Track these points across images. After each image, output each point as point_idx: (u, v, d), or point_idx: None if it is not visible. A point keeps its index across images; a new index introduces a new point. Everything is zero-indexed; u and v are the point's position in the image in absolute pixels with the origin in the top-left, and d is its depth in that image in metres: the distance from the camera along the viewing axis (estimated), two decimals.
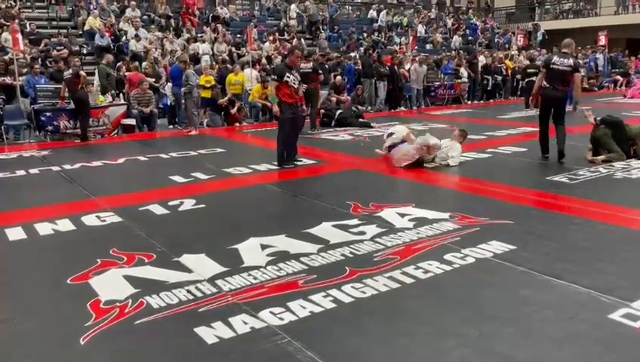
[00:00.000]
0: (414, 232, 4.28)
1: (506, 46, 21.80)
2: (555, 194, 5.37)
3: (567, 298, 3.09)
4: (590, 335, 2.68)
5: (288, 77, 6.92)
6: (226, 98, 11.80)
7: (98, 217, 4.98)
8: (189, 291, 3.29)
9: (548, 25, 24.86)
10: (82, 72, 9.57)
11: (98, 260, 3.85)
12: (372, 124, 10.93)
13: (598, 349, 2.56)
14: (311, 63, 10.66)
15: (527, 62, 14.73)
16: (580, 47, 20.48)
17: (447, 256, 3.73)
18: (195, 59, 13.17)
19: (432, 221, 4.54)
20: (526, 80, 13.97)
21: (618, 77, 19.68)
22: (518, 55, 17.85)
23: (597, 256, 3.73)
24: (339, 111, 11.32)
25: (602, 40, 20.73)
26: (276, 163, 7.11)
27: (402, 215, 4.75)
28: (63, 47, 12.84)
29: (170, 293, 3.27)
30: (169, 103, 11.99)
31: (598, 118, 7.14)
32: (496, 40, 22.50)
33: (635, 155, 6.85)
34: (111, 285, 3.44)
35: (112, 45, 13.73)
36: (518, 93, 15.91)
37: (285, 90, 6.94)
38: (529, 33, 23.45)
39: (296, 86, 7.04)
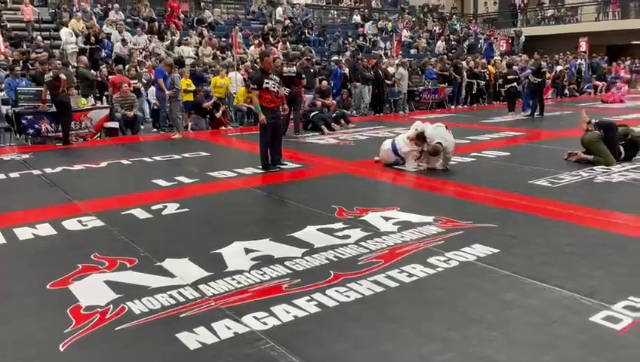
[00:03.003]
0: (399, 236, 4.29)
1: (490, 51, 22.03)
2: (537, 198, 5.41)
3: (550, 301, 3.11)
4: (573, 338, 2.70)
5: (267, 83, 6.90)
6: (211, 102, 11.74)
7: (79, 221, 4.90)
8: (171, 296, 3.25)
9: (530, 31, 25.20)
10: (62, 75, 9.44)
11: (79, 265, 3.78)
12: (331, 128, 10.90)
13: (581, 353, 2.58)
14: (294, 67, 10.65)
15: (507, 68, 14.89)
16: (561, 53, 20.85)
17: (431, 260, 3.74)
18: (180, 62, 13.07)
19: (417, 225, 4.56)
20: (507, 86, 14.15)
21: (598, 82, 20.02)
22: (501, 61, 18.04)
23: (579, 259, 3.76)
24: (313, 113, 11.29)
25: (583, 46, 21.08)
26: (260, 167, 7.09)
27: (387, 218, 4.76)
28: (42, 50, 12.66)
29: (153, 298, 3.22)
30: (151, 107, 11.88)
31: (593, 121, 7.24)
32: (479, 46, 22.73)
33: (630, 146, 6.99)
34: (92, 290, 3.38)
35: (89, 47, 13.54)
36: (501, 98, 16.08)
37: (266, 95, 6.93)
38: (511, 39, 23.75)
39: (276, 90, 7.02)
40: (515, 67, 14.47)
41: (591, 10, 24.88)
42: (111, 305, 3.15)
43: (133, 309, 3.09)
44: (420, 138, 6.89)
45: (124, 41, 13.94)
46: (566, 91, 19.04)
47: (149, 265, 3.77)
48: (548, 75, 16.14)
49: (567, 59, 20.24)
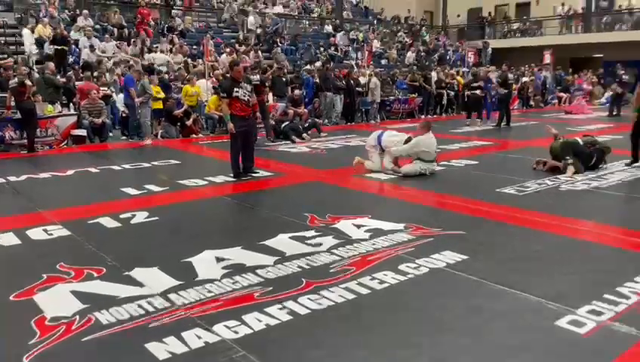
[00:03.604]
0: (370, 243, 4.31)
1: (458, 62, 22.51)
2: (505, 206, 5.53)
3: (518, 306, 3.17)
4: (540, 342, 2.76)
5: (237, 91, 6.88)
6: (182, 109, 11.64)
7: (45, 231, 4.77)
8: (140, 306, 3.19)
9: (497, 43, 25.85)
10: (28, 82, 9.22)
11: (44, 275, 3.68)
12: (302, 137, 10.89)
13: (547, 357, 2.64)
14: (258, 76, 10.71)
15: (471, 77, 15.22)
16: (527, 65, 21.45)
17: (402, 267, 3.77)
18: (150, 69, 12.93)
19: (388, 232, 4.59)
20: (467, 94, 14.44)
21: (561, 94, 20.64)
22: (469, 72, 18.44)
23: (546, 265, 3.85)
24: (284, 124, 11.30)
25: (547, 58, 21.72)
26: (232, 175, 7.05)
27: (358, 226, 4.79)
28: (7, 56, 12.34)
29: (121, 308, 3.16)
30: (119, 115, 11.69)
31: (559, 137, 7.51)
32: (448, 57, 23.19)
33: (600, 156, 7.20)
34: (57, 301, 3.29)
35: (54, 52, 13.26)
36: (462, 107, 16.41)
37: (236, 104, 6.91)
38: (479, 51, 24.31)
39: (246, 99, 7.00)
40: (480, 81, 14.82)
41: (555, 24, 25.69)
42: (77, 316, 3.07)
43: (100, 320, 3.02)
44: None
45: (92, 47, 13.71)
46: (531, 102, 19.56)
47: (117, 275, 3.69)
48: (514, 86, 16.56)
49: (533, 71, 20.83)
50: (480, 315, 3.08)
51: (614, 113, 15.76)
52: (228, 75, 7.52)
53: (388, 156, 7.33)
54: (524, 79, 19.31)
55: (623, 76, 16.17)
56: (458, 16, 29.13)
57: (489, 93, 14.31)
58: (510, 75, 14.90)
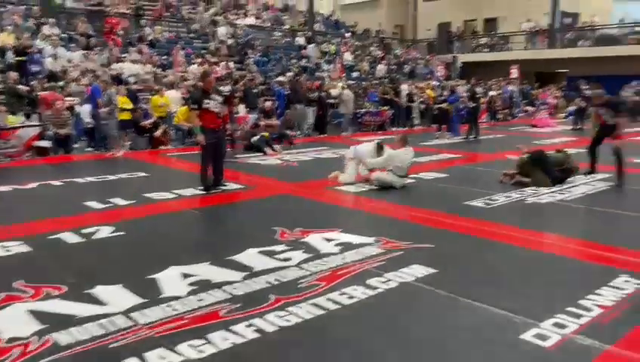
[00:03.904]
0: (340, 257, 4.29)
1: (428, 76, 22.87)
2: (473, 219, 5.59)
3: (484, 320, 3.19)
4: (505, 356, 2.78)
5: (208, 103, 6.78)
6: (151, 120, 11.46)
7: (2, 247, 4.58)
8: (101, 325, 3.08)
9: (465, 57, 26.40)
10: None
11: (0, 294, 3.53)
12: (269, 152, 10.74)
13: None
14: (228, 87, 10.67)
15: (440, 91, 15.50)
16: (494, 79, 21.95)
17: (371, 281, 3.76)
18: (119, 79, 12.72)
19: (358, 246, 4.58)
20: (436, 107, 14.68)
21: (528, 107, 21.18)
22: (439, 85, 18.78)
23: (512, 278, 3.90)
24: (254, 138, 11.22)
25: (514, 73, 22.27)
26: (201, 188, 6.95)
27: (328, 240, 4.76)
28: None
29: (81, 328, 3.05)
30: (83, 127, 11.43)
31: (526, 150, 7.66)
32: (418, 70, 23.54)
33: (567, 175, 7.32)
34: (14, 321, 3.16)
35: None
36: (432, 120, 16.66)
37: (206, 115, 6.80)
38: (448, 64, 24.78)
39: (217, 110, 6.92)
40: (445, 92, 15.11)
41: (521, 39, 26.40)
42: (35, 337, 2.95)
43: (59, 340, 2.91)
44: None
45: (54, 56, 13.40)
46: (499, 115, 19.99)
47: (77, 293, 3.57)
48: (482, 99, 16.91)
49: (500, 85, 21.32)
50: (447, 329, 3.08)
51: (578, 127, 16.24)
52: (198, 86, 7.42)
53: (363, 166, 7.40)
54: (492, 93, 19.75)
55: (586, 91, 16.70)
56: (428, 30, 29.68)
57: (455, 107, 14.46)
58: (479, 89, 15.22)
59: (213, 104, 6.83)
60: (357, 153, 7.51)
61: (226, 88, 10.26)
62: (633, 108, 20.76)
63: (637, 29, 24.59)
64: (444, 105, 14.14)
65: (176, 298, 3.46)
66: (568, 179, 7.44)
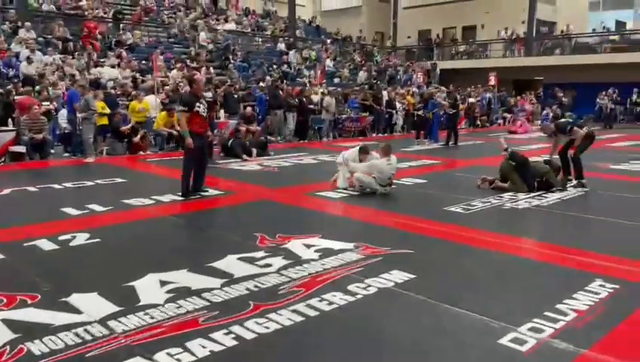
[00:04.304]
0: (320, 263, 4.29)
1: (409, 82, 23.09)
2: (451, 224, 5.65)
3: (462, 325, 3.22)
4: (483, 361, 2.80)
5: (199, 106, 6.77)
6: (129, 125, 11.34)
7: None
8: (77, 334, 3.02)
9: (445, 64, 26.73)
10: None
11: None
12: (245, 157, 10.69)
13: None
14: (210, 93, 10.65)
15: (419, 97, 15.65)
16: (473, 86, 22.28)
17: (351, 287, 3.76)
18: (97, 84, 12.57)
19: (338, 251, 4.58)
20: (416, 114, 14.81)
21: (506, 114, 21.52)
22: (418, 92, 18.97)
23: (490, 283, 3.95)
24: (230, 141, 11.21)
25: (492, 80, 22.63)
26: (180, 193, 6.88)
27: (308, 246, 4.76)
28: None
29: (56, 337, 2.98)
30: (58, 132, 11.26)
31: (509, 149, 7.65)
32: (398, 77, 23.75)
33: (545, 187, 7.36)
34: None
35: None
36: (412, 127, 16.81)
37: (196, 119, 6.76)
38: (428, 71, 25.05)
39: (205, 115, 6.91)
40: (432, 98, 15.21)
41: (499, 47, 26.85)
42: (7, 347, 2.88)
43: (32, 350, 2.85)
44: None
45: (29, 59, 13.17)
46: (478, 122, 20.26)
47: (52, 301, 3.50)
48: (461, 106, 17.13)
49: (478, 92, 21.62)
50: (426, 334, 3.10)
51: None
52: (188, 90, 7.33)
53: (346, 168, 7.46)
54: (471, 100, 20.02)
55: (563, 98, 17.06)
56: (408, 37, 29.99)
57: (433, 113, 14.53)
58: (457, 96, 15.41)
59: (203, 108, 6.83)
60: (344, 157, 7.56)
61: (208, 94, 10.21)
62: (609, 115, 21.29)
63: (611, 37, 25.24)
64: (421, 113, 14.26)
65: (154, 306, 3.42)
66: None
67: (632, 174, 9.18)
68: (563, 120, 8.29)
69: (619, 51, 23.28)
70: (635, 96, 22.83)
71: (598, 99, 22.18)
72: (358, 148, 7.72)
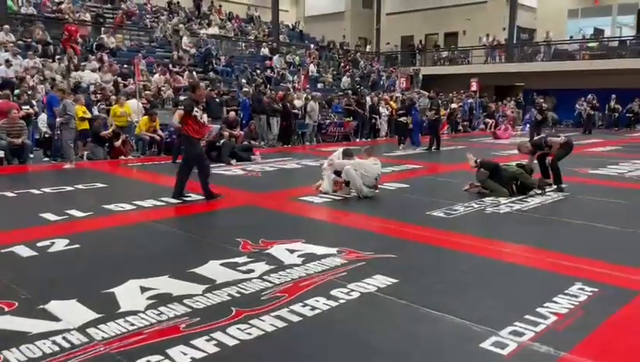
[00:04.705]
0: (303, 269, 4.28)
1: (392, 88, 23.25)
2: (434, 229, 5.68)
3: (444, 329, 3.23)
4: None
5: (197, 111, 6.81)
6: (110, 130, 11.21)
7: None
8: (55, 342, 2.97)
9: (427, 70, 26.98)
10: None
11: None
12: (232, 162, 10.70)
13: None
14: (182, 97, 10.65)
15: (400, 103, 15.73)
16: (455, 92, 22.51)
17: (334, 292, 3.75)
18: (76, 88, 12.41)
19: (321, 256, 4.58)
20: (397, 120, 14.89)
21: (488, 120, 21.77)
22: (401, 97, 19.10)
23: (472, 287, 3.97)
24: (222, 141, 11.16)
25: (474, 86, 22.89)
26: (172, 197, 6.90)
27: (292, 251, 4.74)
28: None
29: (33, 346, 2.92)
30: (37, 137, 11.09)
31: (478, 160, 7.73)
32: (382, 82, 23.88)
33: (519, 191, 7.45)
34: None
35: None
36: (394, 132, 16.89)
37: (193, 125, 6.78)
38: (411, 77, 25.26)
39: (202, 121, 6.96)
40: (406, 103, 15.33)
41: (481, 53, 27.19)
42: None
43: (9, 359, 2.79)
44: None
45: (8, 63, 12.96)
46: (460, 127, 20.47)
47: (30, 309, 3.43)
48: (443, 111, 17.28)
49: (461, 98, 21.85)
50: (408, 339, 3.11)
51: (535, 138, 16.75)
52: (190, 96, 7.34)
53: (331, 171, 7.47)
54: (453, 105, 20.22)
55: (543, 104, 17.32)
56: (387, 44, 30.25)
57: (413, 118, 14.60)
58: (439, 102, 15.54)
59: (200, 114, 6.91)
60: (331, 159, 7.58)
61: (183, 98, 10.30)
62: (588, 121, 21.67)
63: (590, 44, 25.73)
64: (402, 119, 14.35)
65: (135, 312, 3.37)
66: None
67: (611, 179, 9.35)
68: (536, 138, 8.54)
69: (597, 58, 23.74)
70: (612, 102, 23.29)
71: (577, 105, 22.58)
72: (341, 150, 7.74)
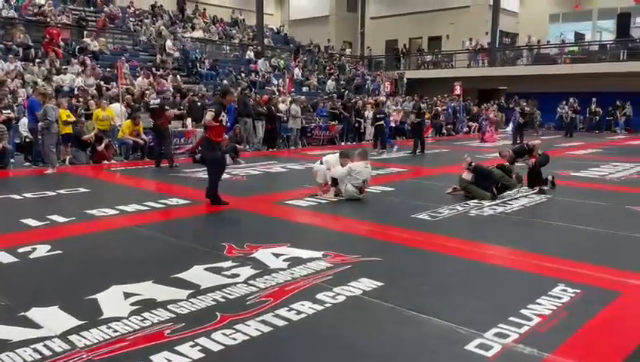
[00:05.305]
0: (288, 273, 4.26)
1: (377, 92, 23.34)
2: (419, 231, 5.71)
3: (429, 332, 3.24)
4: None
5: (223, 116, 6.80)
6: (92, 134, 11.08)
7: None
8: (36, 350, 2.92)
9: (411, 74, 27.16)
10: None
11: None
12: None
13: None
14: (159, 100, 10.65)
15: (376, 108, 15.75)
16: (439, 95, 22.69)
17: (320, 296, 3.75)
18: (57, 91, 12.26)
19: (307, 260, 4.57)
20: (375, 125, 14.91)
21: (471, 123, 21.97)
22: (386, 101, 19.17)
23: (456, 289, 3.99)
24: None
25: (457, 89, 23.09)
26: (211, 201, 6.87)
27: (277, 255, 4.72)
28: None
29: (13, 354, 2.87)
30: (18, 141, 10.92)
31: (473, 163, 7.77)
32: (366, 86, 23.97)
33: (499, 191, 7.52)
34: None
35: None
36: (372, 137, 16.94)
37: (218, 129, 6.77)
38: (395, 81, 25.39)
39: (226, 126, 7.10)
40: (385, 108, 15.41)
41: (464, 57, 27.44)
42: None
43: None
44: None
45: None
46: (444, 130, 20.62)
47: (11, 316, 3.37)
48: (427, 115, 17.40)
49: (444, 101, 22.02)
50: (394, 342, 3.11)
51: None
52: (218, 101, 7.31)
53: (323, 174, 7.50)
54: (437, 108, 20.37)
55: (525, 108, 17.57)
56: (368, 48, 30.39)
57: (383, 122, 14.59)
58: (422, 105, 15.64)
59: (225, 120, 6.97)
60: (326, 162, 7.59)
61: (155, 101, 10.44)
62: (569, 124, 21.99)
63: (571, 49, 26.13)
64: (412, 117, 14.43)
65: (118, 319, 3.33)
66: (507, 193, 7.71)
67: (592, 181, 9.49)
68: (517, 145, 8.72)
69: (578, 62, 24.11)
70: (593, 106, 23.66)
71: (558, 109, 22.90)
72: (339, 153, 7.76)
